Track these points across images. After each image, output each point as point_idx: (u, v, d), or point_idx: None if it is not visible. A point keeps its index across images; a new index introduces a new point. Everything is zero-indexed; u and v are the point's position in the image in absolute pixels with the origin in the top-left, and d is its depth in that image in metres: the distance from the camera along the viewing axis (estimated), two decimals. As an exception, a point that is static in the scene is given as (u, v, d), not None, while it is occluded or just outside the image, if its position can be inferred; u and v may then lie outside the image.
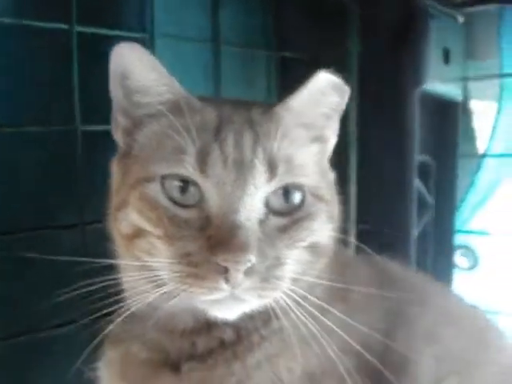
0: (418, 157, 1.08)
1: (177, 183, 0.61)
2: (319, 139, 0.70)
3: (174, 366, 0.65)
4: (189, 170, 0.60)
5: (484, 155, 1.23)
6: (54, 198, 0.89)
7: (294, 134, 0.67)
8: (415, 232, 1.04)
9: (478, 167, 1.23)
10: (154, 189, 0.61)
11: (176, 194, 0.61)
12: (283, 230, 0.62)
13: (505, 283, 1.17)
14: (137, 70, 0.64)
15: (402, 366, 0.69)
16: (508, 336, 0.82)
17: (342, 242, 0.75)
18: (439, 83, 1.04)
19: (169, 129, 0.63)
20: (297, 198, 0.64)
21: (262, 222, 0.61)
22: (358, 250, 0.80)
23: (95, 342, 0.63)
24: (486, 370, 0.75)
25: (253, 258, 0.57)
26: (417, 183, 1.07)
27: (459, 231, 1.20)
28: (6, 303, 0.84)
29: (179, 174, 0.61)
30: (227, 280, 0.57)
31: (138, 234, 0.62)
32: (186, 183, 0.61)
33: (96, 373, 0.71)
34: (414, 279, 0.83)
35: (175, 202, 0.61)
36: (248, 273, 0.57)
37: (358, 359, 0.66)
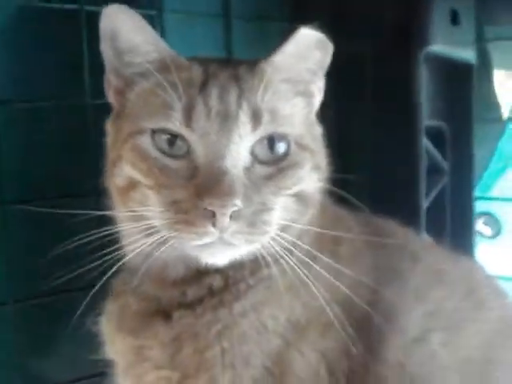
0: (432, 122, 1.07)
1: (165, 136, 0.64)
2: (304, 93, 0.72)
3: (166, 315, 0.69)
4: (176, 124, 0.63)
5: (507, 121, 1.20)
6: (67, 168, 0.93)
7: (279, 87, 0.69)
8: (423, 198, 1.03)
9: (501, 133, 1.20)
10: (145, 141, 0.65)
11: (165, 146, 0.64)
12: (269, 177, 0.65)
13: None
14: (125, 30, 0.67)
15: (389, 317, 0.70)
16: (506, 293, 0.81)
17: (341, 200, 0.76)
18: (450, 46, 1.02)
19: (157, 86, 0.66)
20: (281, 147, 0.66)
21: (247, 170, 0.64)
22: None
23: (93, 291, 0.67)
24: (475, 327, 0.75)
25: (238, 203, 0.60)
26: (431, 149, 1.06)
27: (481, 198, 1.17)
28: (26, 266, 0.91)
29: (166, 128, 0.64)
30: (214, 224, 0.59)
31: (132, 185, 0.66)
32: (173, 136, 0.64)
33: (98, 326, 0.75)
34: (407, 237, 0.82)
35: (164, 153, 0.64)
36: (234, 217, 0.60)
37: (344, 309, 0.67)
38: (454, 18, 1.03)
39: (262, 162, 0.65)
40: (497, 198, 1.18)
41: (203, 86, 0.65)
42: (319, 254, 0.67)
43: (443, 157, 1.09)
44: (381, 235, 0.77)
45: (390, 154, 1.00)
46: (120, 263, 0.66)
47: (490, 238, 1.18)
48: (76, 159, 0.93)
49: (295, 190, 0.66)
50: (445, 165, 1.09)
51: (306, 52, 0.69)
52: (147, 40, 0.67)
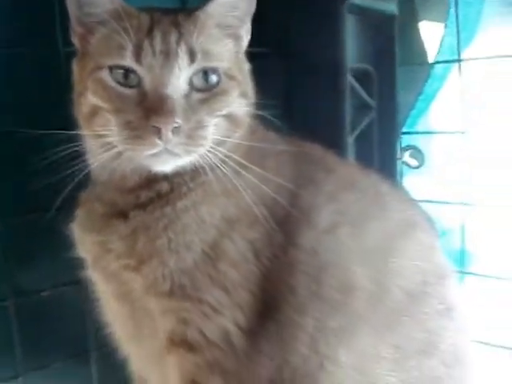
0: (360, 65, 1.23)
1: (120, 71, 0.80)
2: (233, 36, 0.88)
3: (124, 215, 0.86)
4: (128, 61, 0.79)
5: (432, 65, 1.36)
6: (42, 109, 1.06)
7: (211, 31, 0.84)
8: (348, 132, 1.21)
9: (427, 76, 1.36)
10: (104, 75, 0.80)
11: (120, 78, 0.80)
12: (203, 102, 0.81)
13: (448, 178, 1.32)
14: None
15: (305, 214, 0.88)
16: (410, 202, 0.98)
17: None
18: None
19: (113, 31, 0.80)
20: (213, 78, 0.82)
21: (186, 96, 0.79)
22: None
23: (63, 194, 0.82)
24: (379, 224, 0.93)
25: (179, 120, 0.76)
26: (357, 88, 1.22)
27: (407, 133, 1.35)
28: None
29: (121, 64, 0.79)
30: (160, 138, 0.75)
31: (95, 111, 0.81)
32: (127, 71, 0.79)
33: (71, 233, 0.92)
34: (325, 154, 0.99)
35: (120, 84, 0.80)
36: (176, 132, 0.76)
37: (268, 207, 0.85)
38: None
39: (198, 90, 0.81)
40: (420, 132, 1.35)
41: (149, 31, 0.80)
42: (249, 165, 0.84)
43: (370, 96, 1.26)
44: (302, 152, 0.95)
45: (317, 95, 1.18)
46: (86, 171, 0.82)
47: (415, 168, 1.36)
48: (49, 96, 1.05)
49: (225, 111, 0.83)
50: (371, 103, 1.26)
51: (234, 2, 0.85)
52: None
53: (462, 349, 0.95)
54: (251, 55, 1.15)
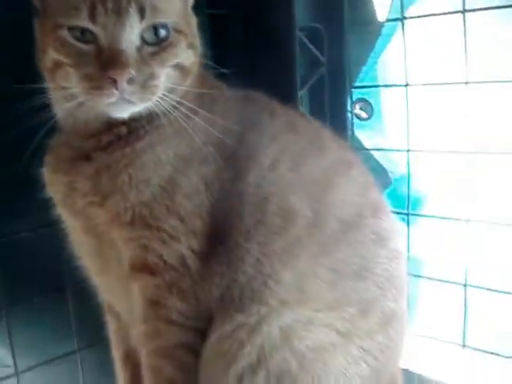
0: (311, 24, 1.34)
1: (77, 30, 0.87)
2: None
3: (87, 157, 0.96)
4: (84, 21, 0.86)
5: (382, 23, 1.46)
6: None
7: None
8: (298, 86, 1.32)
9: (378, 33, 1.46)
10: (64, 33, 0.88)
11: (78, 36, 0.87)
12: (154, 54, 0.89)
13: (395, 128, 1.44)
14: None
15: (250, 153, 0.99)
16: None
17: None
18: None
19: None
20: (163, 32, 0.90)
21: (138, 49, 0.87)
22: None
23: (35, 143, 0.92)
24: (317, 160, 1.04)
25: (132, 72, 0.84)
26: (308, 45, 1.34)
27: (357, 87, 1.46)
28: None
29: (78, 25, 0.87)
30: (116, 88, 0.84)
31: (57, 65, 0.89)
32: (84, 30, 0.87)
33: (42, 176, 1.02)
34: (269, 100, 1.08)
35: (78, 40, 0.87)
36: (130, 81, 0.85)
37: (217, 147, 0.95)
38: None
39: (149, 44, 0.89)
40: (368, 86, 1.46)
41: None
42: (198, 109, 0.94)
43: (321, 53, 1.37)
44: (249, 99, 1.06)
45: (272, 53, 1.28)
46: (53, 121, 0.93)
47: (365, 119, 1.47)
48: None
49: (174, 62, 0.92)
50: (322, 59, 1.37)
51: None
52: None
53: (396, 274, 1.05)
54: (212, 16, 1.26)
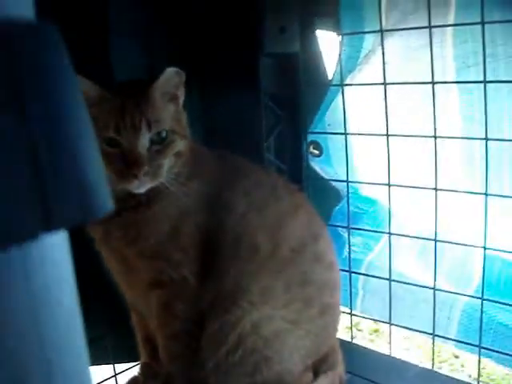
0: (274, 90, 1.79)
1: (107, 139, 1.19)
2: (173, 99, 1.27)
3: (118, 213, 1.26)
4: (111, 134, 1.18)
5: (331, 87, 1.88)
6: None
7: (159, 102, 1.23)
8: (264, 142, 1.75)
9: (326, 92, 1.88)
10: (98, 141, 1.13)
11: (108, 142, 1.19)
12: (159, 151, 1.22)
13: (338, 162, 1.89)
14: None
15: (229, 206, 1.36)
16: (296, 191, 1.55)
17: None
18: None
19: (100, 113, 1.17)
20: (163, 134, 1.23)
21: (148, 150, 1.20)
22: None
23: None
24: (275, 208, 1.41)
25: (146, 168, 1.18)
26: (272, 107, 1.78)
27: (311, 132, 1.89)
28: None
29: (108, 136, 1.19)
30: (136, 178, 1.19)
31: None
32: (112, 139, 1.19)
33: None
34: (244, 163, 1.44)
35: (108, 145, 1.19)
36: (145, 174, 1.18)
37: (204, 206, 1.34)
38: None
39: (155, 144, 1.21)
40: (319, 133, 1.88)
41: (122, 113, 1.18)
42: (190, 179, 1.28)
43: (281, 110, 1.82)
44: (226, 162, 1.41)
45: (241, 116, 1.73)
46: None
47: (317, 156, 1.92)
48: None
49: (173, 152, 1.24)
50: (282, 114, 1.81)
51: (171, 79, 1.24)
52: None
53: (330, 278, 1.44)
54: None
